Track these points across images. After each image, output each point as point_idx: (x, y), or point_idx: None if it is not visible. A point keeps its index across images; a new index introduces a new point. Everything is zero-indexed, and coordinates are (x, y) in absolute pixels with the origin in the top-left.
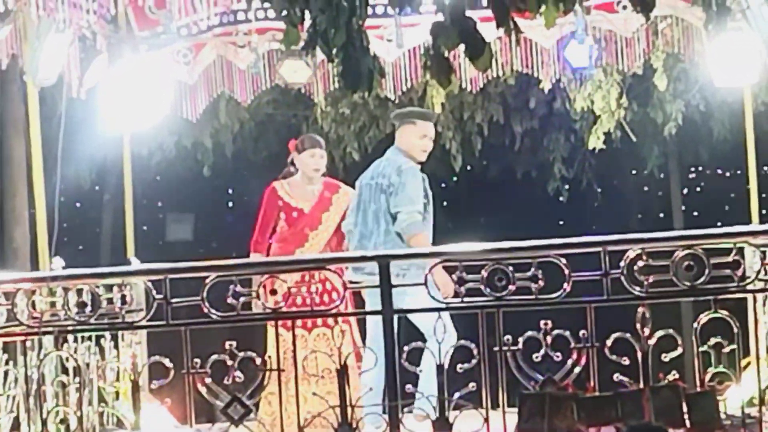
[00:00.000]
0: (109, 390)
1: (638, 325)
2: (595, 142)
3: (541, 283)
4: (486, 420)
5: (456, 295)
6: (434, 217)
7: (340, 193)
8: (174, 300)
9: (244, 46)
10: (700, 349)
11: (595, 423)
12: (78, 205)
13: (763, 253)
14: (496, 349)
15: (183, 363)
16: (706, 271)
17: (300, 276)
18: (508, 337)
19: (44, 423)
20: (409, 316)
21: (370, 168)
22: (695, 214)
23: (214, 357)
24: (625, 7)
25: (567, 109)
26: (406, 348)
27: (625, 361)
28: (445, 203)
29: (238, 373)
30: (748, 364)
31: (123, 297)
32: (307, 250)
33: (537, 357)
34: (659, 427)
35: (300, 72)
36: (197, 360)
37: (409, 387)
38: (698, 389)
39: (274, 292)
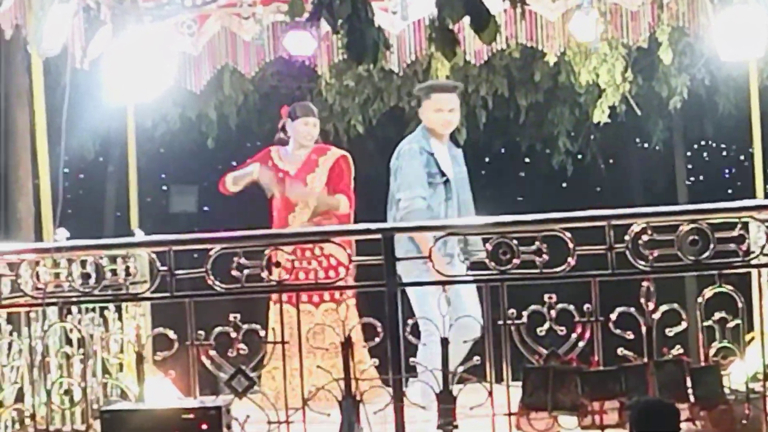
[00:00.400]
0: (113, 361)
1: (642, 300)
2: (600, 115)
3: (545, 257)
4: (490, 393)
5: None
6: (462, 193)
7: (327, 155)
8: (178, 272)
9: (249, 17)
10: (705, 323)
11: (599, 397)
12: (82, 176)
13: None
14: (501, 322)
15: (187, 335)
16: (711, 246)
17: (301, 251)
18: (513, 311)
19: (48, 394)
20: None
21: None
22: (700, 188)
23: (218, 329)
24: None
25: (572, 83)
26: (410, 321)
27: (630, 336)
28: None
29: (242, 346)
30: (752, 339)
31: (127, 268)
32: (298, 213)
33: (541, 331)
34: (669, 403)
35: (304, 43)
36: (201, 332)
37: (412, 360)
38: (702, 364)
39: (278, 264)
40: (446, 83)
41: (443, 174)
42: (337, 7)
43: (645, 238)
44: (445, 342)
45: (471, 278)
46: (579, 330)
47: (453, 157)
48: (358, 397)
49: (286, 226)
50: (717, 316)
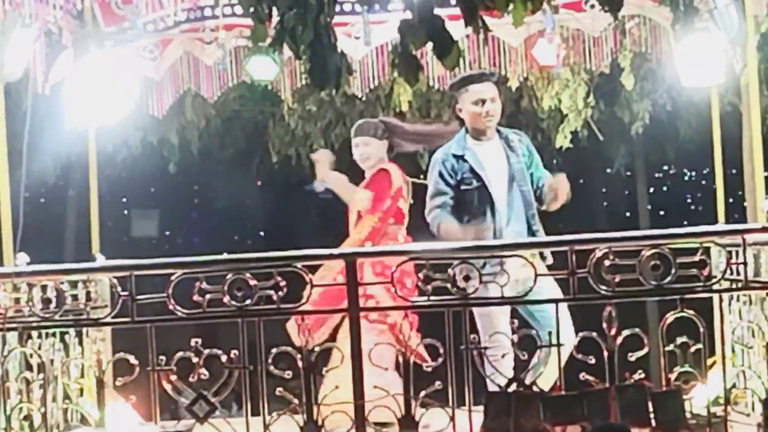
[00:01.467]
0: (73, 387)
1: (604, 324)
2: (563, 140)
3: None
4: (452, 418)
5: (422, 293)
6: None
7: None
8: (139, 297)
9: (211, 42)
10: (666, 348)
11: (561, 422)
12: (43, 200)
13: (729, 253)
14: (463, 347)
15: (148, 360)
16: (673, 271)
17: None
18: (474, 336)
19: (8, 419)
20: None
21: None
22: (661, 213)
23: (180, 354)
24: (593, 6)
25: (534, 108)
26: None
27: (591, 360)
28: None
29: (203, 371)
30: (714, 363)
31: (88, 293)
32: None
33: (504, 356)
34: (623, 427)
35: (267, 69)
36: (162, 357)
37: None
38: (664, 388)
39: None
40: (481, 71)
41: (478, 177)
42: (300, 33)
43: (607, 263)
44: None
45: (431, 303)
46: (541, 355)
47: (508, 152)
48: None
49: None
50: (679, 340)
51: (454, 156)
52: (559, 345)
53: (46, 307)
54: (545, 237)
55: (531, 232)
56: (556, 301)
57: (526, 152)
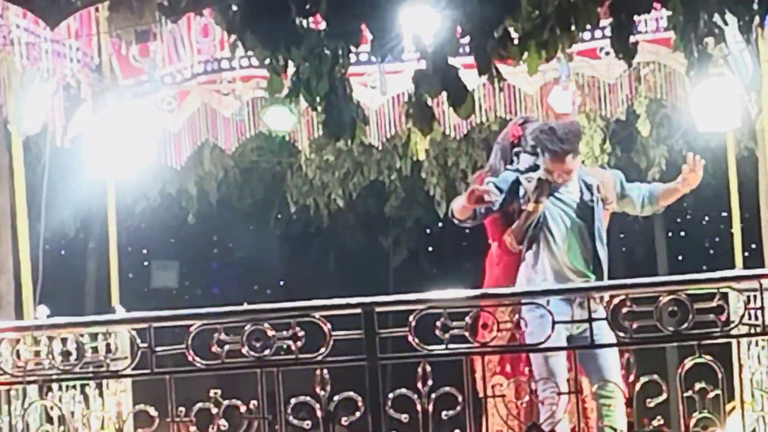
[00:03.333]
0: None
1: (623, 371)
2: None
3: (525, 328)
4: None
5: (440, 341)
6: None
7: None
8: (158, 348)
9: (228, 93)
10: (685, 394)
11: None
12: (62, 253)
13: (747, 297)
14: (481, 396)
15: (168, 411)
16: (690, 317)
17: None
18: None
19: None
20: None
21: None
22: (679, 258)
23: (199, 405)
24: (608, 54)
25: None
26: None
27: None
28: (430, 249)
29: (222, 422)
30: (733, 408)
31: (107, 345)
32: None
33: (522, 403)
34: None
35: (284, 119)
36: (182, 408)
37: None
38: None
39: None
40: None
41: None
42: (315, 85)
43: (625, 309)
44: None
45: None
46: (560, 401)
47: None
48: None
49: None
50: (697, 386)
51: None
52: (577, 393)
53: (66, 359)
54: (563, 285)
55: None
56: (573, 348)
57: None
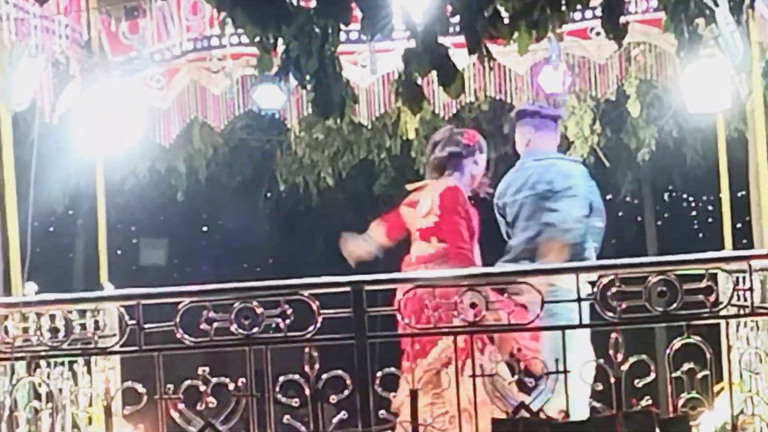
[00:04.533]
0: (82, 415)
1: (611, 351)
2: None
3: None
4: None
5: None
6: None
7: None
8: (147, 325)
9: (218, 71)
10: (673, 374)
11: None
12: (51, 230)
13: (736, 279)
14: (470, 375)
15: (156, 388)
16: (679, 297)
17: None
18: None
19: None
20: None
21: None
22: (668, 239)
23: (188, 382)
24: (598, 34)
25: None
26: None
27: (599, 387)
28: None
29: (211, 399)
30: (721, 389)
31: (96, 322)
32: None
33: (510, 383)
34: None
35: (274, 97)
36: (170, 385)
37: (382, 413)
38: (671, 415)
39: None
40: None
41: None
42: (305, 63)
43: (613, 289)
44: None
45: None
46: (548, 381)
47: None
48: None
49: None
50: (686, 366)
51: None
52: (565, 372)
53: (54, 336)
54: (552, 264)
55: None
56: (562, 327)
57: None
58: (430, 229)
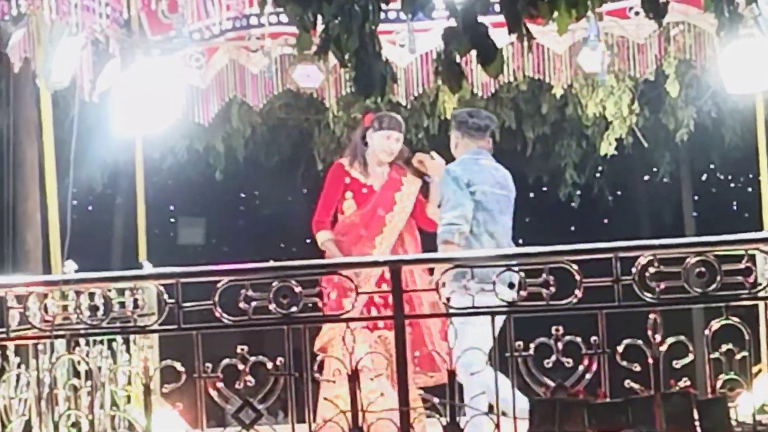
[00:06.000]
0: (120, 394)
1: (649, 332)
2: (607, 148)
3: (552, 289)
4: (497, 426)
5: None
6: None
7: (408, 176)
8: (186, 304)
9: (257, 50)
10: (712, 355)
11: (606, 429)
12: (90, 208)
13: None
14: (508, 354)
15: (194, 367)
16: (718, 278)
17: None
18: (520, 343)
19: (56, 427)
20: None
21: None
22: (706, 220)
23: (226, 361)
24: (637, 13)
25: (579, 115)
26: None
27: (636, 368)
28: None
29: (249, 378)
30: (760, 371)
31: (135, 301)
32: (386, 236)
33: (548, 363)
34: None
35: (312, 76)
36: (209, 364)
37: (420, 392)
38: (709, 396)
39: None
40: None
41: None
42: (345, 41)
43: (652, 270)
44: (451, 375)
45: (479, 311)
46: (586, 362)
47: None
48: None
49: (372, 248)
50: (724, 348)
51: None
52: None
53: (93, 314)
54: (590, 244)
55: None
56: (599, 308)
57: None
58: None
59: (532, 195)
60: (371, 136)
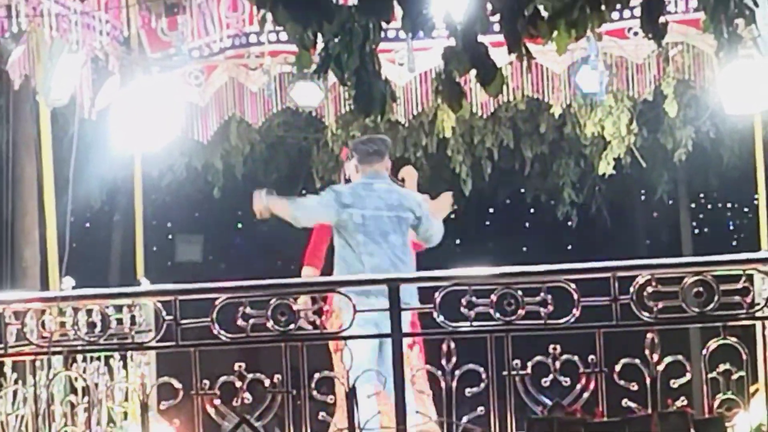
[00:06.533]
0: (117, 410)
1: (647, 351)
2: (605, 167)
3: (550, 307)
4: None
5: (465, 319)
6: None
7: None
8: (183, 321)
9: (256, 68)
10: (709, 375)
11: None
12: (88, 225)
13: None
14: (505, 373)
15: (192, 384)
16: (715, 298)
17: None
18: (517, 361)
19: None
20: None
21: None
22: (704, 240)
23: (223, 378)
24: (636, 34)
25: (577, 135)
26: None
27: (634, 387)
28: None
29: (246, 395)
30: (757, 390)
31: (132, 317)
32: None
33: (545, 381)
34: None
35: (311, 95)
36: (206, 381)
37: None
38: (707, 416)
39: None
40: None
41: None
42: (345, 60)
43: (650, 289)
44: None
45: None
46: (583, 381)
47: None
48: None
49: None
50: (721, 367)
51: None
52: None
53: (91, 331)
54: (588, 263)
55: None
56: (597, 326)
57: None
58: None
59: (531, 212)
60: (348, 167)
